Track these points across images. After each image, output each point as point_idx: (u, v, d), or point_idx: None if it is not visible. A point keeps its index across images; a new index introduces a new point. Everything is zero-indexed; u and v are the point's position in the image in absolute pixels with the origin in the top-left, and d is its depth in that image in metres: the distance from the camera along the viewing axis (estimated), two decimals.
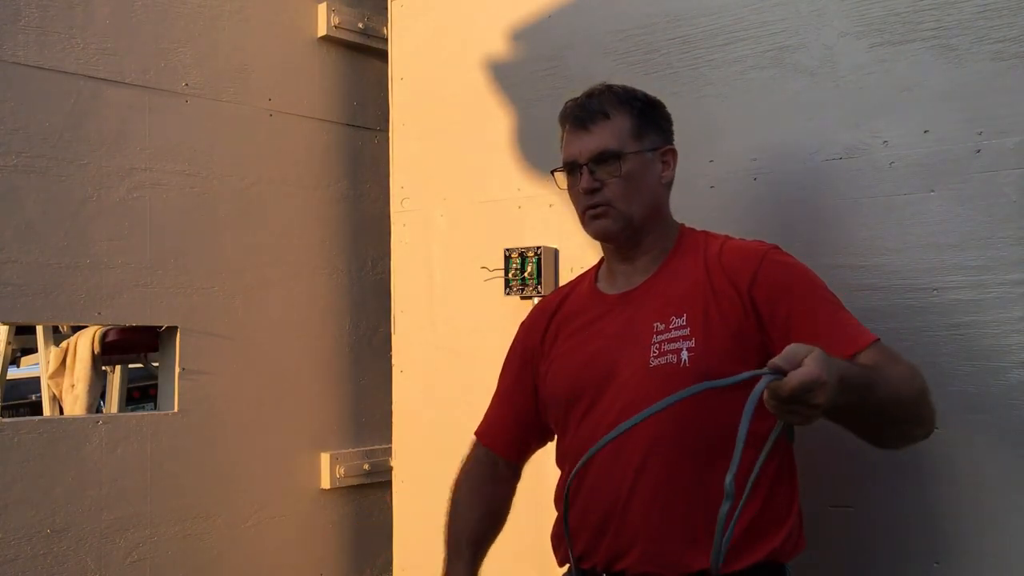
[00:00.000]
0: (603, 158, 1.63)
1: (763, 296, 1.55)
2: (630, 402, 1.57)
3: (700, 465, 1.51)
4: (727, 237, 1.69)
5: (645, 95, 1.71)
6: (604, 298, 1.71)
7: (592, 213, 1.66)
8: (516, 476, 1.93)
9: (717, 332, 1.54)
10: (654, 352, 1.56)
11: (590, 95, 1.68)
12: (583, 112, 1.66)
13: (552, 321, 1.78)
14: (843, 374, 1.26)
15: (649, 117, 1.68)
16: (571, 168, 1.67)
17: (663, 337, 1.57)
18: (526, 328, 1.86)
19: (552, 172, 1.73)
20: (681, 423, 1.52)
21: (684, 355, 1.54)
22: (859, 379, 1.35)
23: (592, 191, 1.64)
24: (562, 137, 1.73)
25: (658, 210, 1.69)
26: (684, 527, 1.52)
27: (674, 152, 1.71)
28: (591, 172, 1.63)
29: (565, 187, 1.71)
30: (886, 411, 1.43)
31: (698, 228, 1.76)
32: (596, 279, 1.77)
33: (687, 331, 1.55)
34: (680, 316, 1.57)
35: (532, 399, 1.81)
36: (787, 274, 1.58)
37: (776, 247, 1.63)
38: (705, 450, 1.51)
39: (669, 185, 1.71)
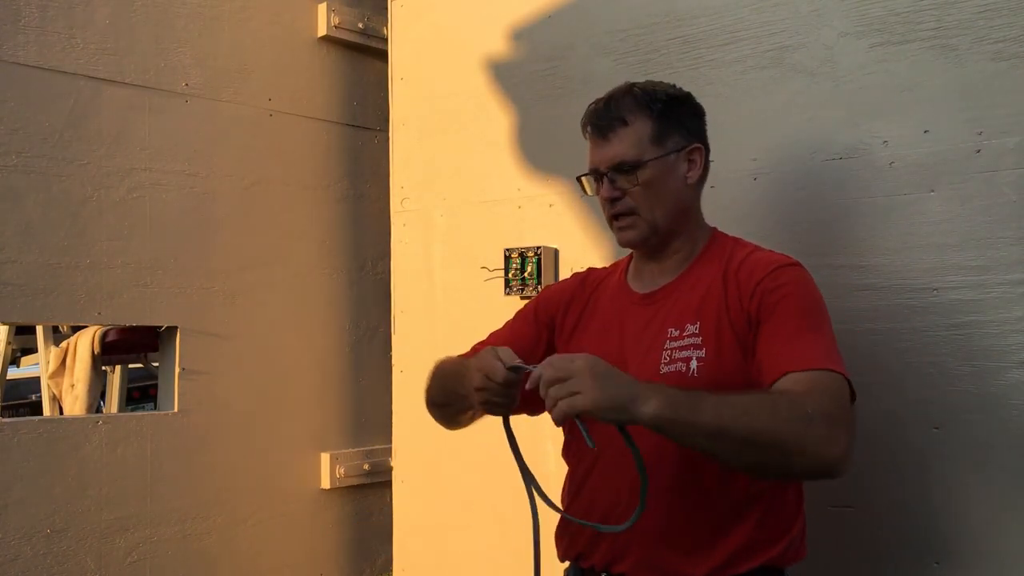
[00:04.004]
0: (622, 168, 1.60)
1: (755, 307, 1.52)
2: None
3: (703, 477, 1.51)
4: (754, 248, 1.63)
5: (668, 93, 1.64)
6: (630, 295, 1.69)
7: (617, 224, 1.64)
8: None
9: (728, 344, 1.52)
10: (665, 359, 1.55)
11: (610, 99, 1.64)
12: (601, 120, 1.63)
13: (577, 300, 1.75)
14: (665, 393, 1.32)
15: (671, 118, 1.62)
16: (596, 175, 1.65)
17: (675, 344, 1.56)
18: (551, 293, 1.82)
19: (578, 178, 1.69)
20: None
21: (693, 364, 1.52)
22: (684, 398, 1.33)
23: (614, 200, 1.62)
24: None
25: (685, 212, 1.64)
26: (684, 536, 1.51)
27: (701, 149, 1.64)
28: (612, 181, 1.61)
29: (592, 193, 1.68)
30: (731, 433, 1.33)
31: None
32: (627, 270, 1.74)
33: (699, 340, 1.54)
34: (694, 324, 1.55)
35: (534, 349, 1.73)
36: (782, 289, 1.52)
37: (791, 264, 1.57)
38: (709, 464, 1.49)
39: (698, 184, 1.65)
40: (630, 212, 1.61)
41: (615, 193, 1.61)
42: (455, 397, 1.66)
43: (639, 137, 1.60)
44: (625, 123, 1.60)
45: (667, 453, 1.51)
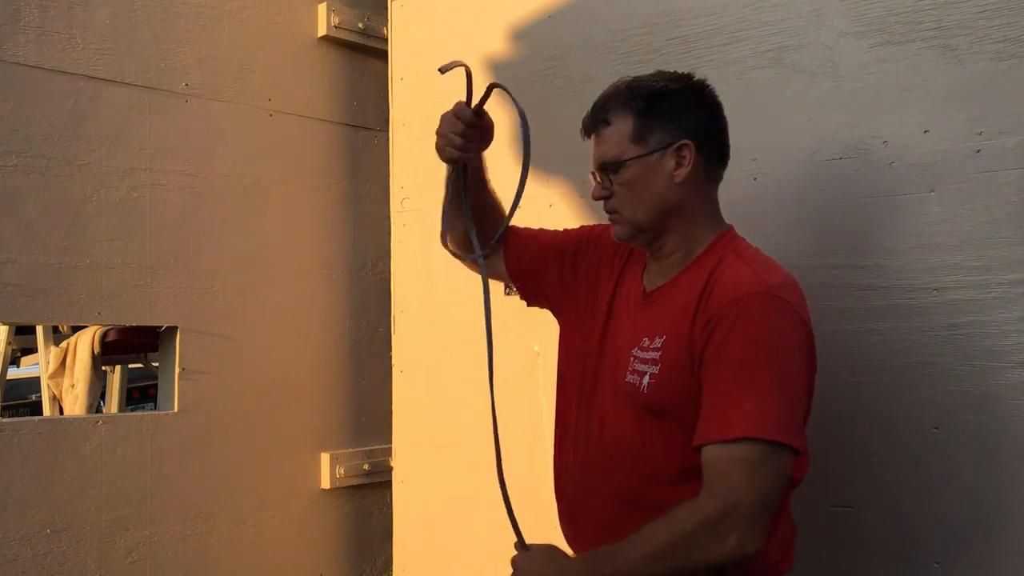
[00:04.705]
0: (605, 168, 1.60)
1: (705, 339, 1.46)
2: (603, 413, 1.61)
3: (651, 488, 1.53)
4: (742, 263, 1.53)
5: (653, 89, 1.58)
6: (637, 289, 1.68)
7: (609, 219, 1.66)
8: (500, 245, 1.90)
9: (683, 365, 1.48)
10: (630, 367, 1.56)
11: (600, 98, 1.64)
12: (590, 120, 1.64)
13: (616, 261, 1.76)
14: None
15: (655, 114, 1.56)
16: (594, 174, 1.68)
17: (641, 355, 1.55)
18: (605, 237, 1.79)
19: (592, 173, 1.70)
20: (643, 448, 1.53)
21: (645, 380, 1.51)
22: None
23: (603, 198, 1.63)
24: None
25: (674, 211, 1.58)
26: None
27: (689, 146, 1.55)
28: (601, 180, 1.63)
29: None
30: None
31: None
32: (646, 263, 1.72)
33: (657, 355, 1.51)
34: (660, 338, 1.53)
35: (560, 253, 1.82)
36: (729, 330, 1.44)
37: (758, 294, 1.45)
38: (657, 476, 1.52)
39: (691, 182, 1.57)
40: (615, 211, 1.62)
41: (603, 192, 1.62)
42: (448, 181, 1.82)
43: (621, 136, 1.58)
44: (608, 123, 1.60)
45: (624, 465, 1.56)
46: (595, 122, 1.62)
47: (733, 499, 1.37)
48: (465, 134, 1.74)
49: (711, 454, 1.41)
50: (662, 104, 1.58)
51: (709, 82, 1.64)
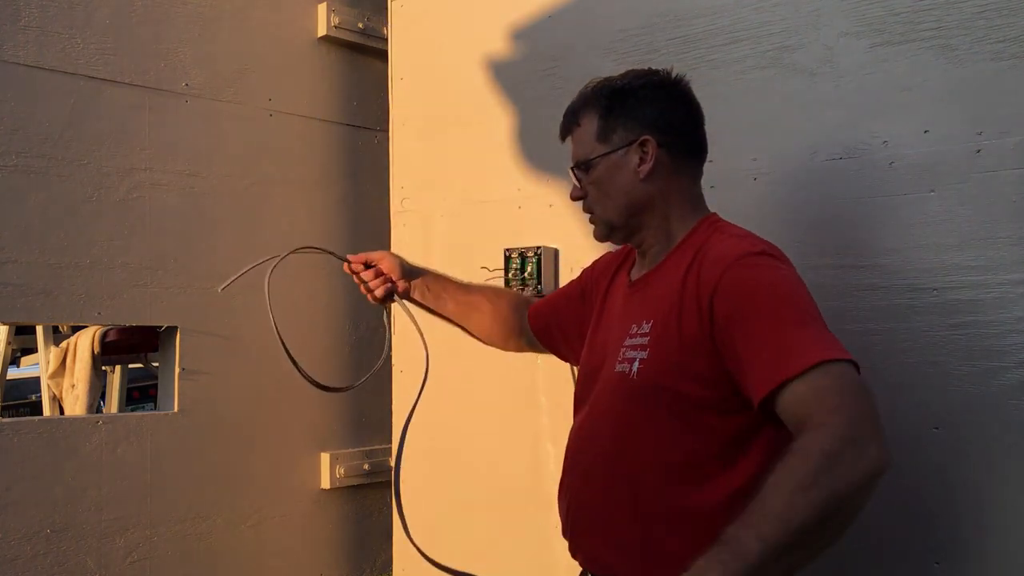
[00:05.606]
0: (578, 167, 1.63)
1: (719, 311, 1.42)
2: (595, 404, 1.60)
3: (635, 486, 1.51)
4: (726, 237, 1.53)
5: (614, 87, 1.60)
6: (624, 283, 1.69)
7: (589, 221, 1.68)
8: (523, 332, 2.02)
9: (672, 345, 1.46)
10: (620, 356, 1.55)
11: (573, 101, 1.66)
12: (563, 121, 1.67)
13: (612, 273, 1.77)
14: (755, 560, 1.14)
15: (617, 111, 1.58)
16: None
17: (629, 342, 1.54)
18: (597, 269, 1.85)
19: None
20: (620, 445, 1.53)
21: (636, 366, 1.50)
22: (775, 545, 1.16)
23: (579, 199, 1.66)
24: None
25: (643, 208, 1.59)
26: (615, 537, 1.54)
27: (650, 141, 1.56)
28: (578, 181, 1.64)
29: None
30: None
31: None
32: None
33: (646, 340, 1.50)
34: (648, 322, 1.52)
35: (573, 311, 1.87)
36: (744, 287, 1.41)
37: (754, 253, 1.46)
38: (639, 474, 1.50)
39: (660, 178, 1.57)
40: (590, 211, 1.65)
41: (578, 193, 1.65)
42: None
43: (588, 135, 1.61)
44: (578, 124, 1.63)
45: (608, 462, 1.55)
46: (568, 124, 1.65)
47: (852, 411, 1.25)
48: (365, 279, 2.13)
49: (794, 392, 1.28)
50: (624, 101, 1.60)
51: (687, 77, 1.65)
